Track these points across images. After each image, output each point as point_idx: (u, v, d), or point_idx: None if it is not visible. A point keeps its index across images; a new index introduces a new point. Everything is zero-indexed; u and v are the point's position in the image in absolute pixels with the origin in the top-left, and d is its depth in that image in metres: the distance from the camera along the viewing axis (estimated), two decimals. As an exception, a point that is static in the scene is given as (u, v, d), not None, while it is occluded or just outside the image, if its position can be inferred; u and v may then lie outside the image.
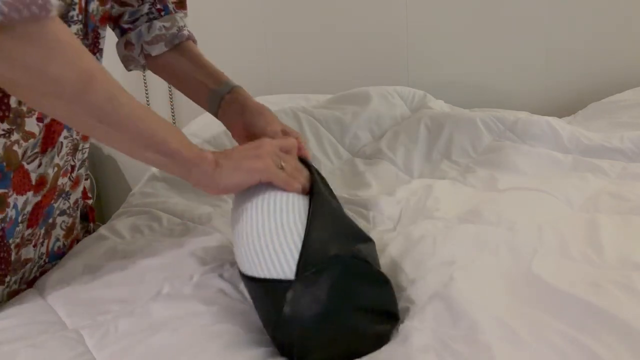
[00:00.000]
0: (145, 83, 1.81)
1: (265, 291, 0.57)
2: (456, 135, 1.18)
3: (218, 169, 0.63)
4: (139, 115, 0.60)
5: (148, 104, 1.84)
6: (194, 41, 0.92)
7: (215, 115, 0.87)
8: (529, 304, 0.57)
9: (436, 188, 0.95)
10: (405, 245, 0.73)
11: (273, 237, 0.58)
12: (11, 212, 0.70)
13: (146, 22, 0.87)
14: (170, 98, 1.83)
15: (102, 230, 0.85)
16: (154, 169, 1.11)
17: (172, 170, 0.64)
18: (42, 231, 0.79)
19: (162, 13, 0.88)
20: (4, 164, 0.68)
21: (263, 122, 0.80)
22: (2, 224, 0.70)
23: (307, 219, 0.59)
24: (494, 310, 0.55)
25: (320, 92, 1.54)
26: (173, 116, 1.85)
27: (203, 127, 1.25)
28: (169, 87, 1.80)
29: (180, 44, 0.88)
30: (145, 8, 0.87)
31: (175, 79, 0.90)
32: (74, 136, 0.80)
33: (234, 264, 0.66)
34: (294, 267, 0.55)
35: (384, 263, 0.69)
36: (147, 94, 1.83)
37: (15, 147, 0.69)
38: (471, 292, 0.59)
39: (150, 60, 0.89)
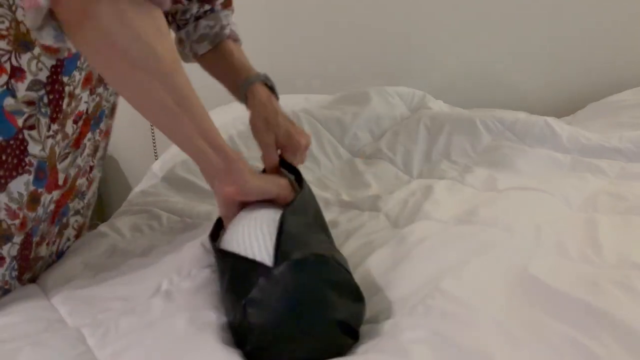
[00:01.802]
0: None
1: (240, 269, 0.56)
2: (455, 136, 1.19)
3: (248, 169, 0.66)
4: (201, 104, 0.63)
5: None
6: (235, 39, 0.93)
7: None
8: (527, 304, 0.57)
9: (435, 189, 0.95)
10: (403, 244, 0.73)
11: (264, 226, 0.59)
12: (40, 211, 0.72)
13: (194, 21, 0.90)
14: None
15: (102, 227, 0.86)
16: (154, 169, 1.11)
17: (212, 163, 0.65)
18: (56, 230, 0.80)
19: (209, 12, 0.91)
20: (47, 163, 0.70)
21: (286, 142, 0.82)
22: (33, 223, 0.71)
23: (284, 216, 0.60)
24: (491, 309, 0.56)
25: (320, 92, 1.55)
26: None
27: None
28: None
29: (220, 44, 0.90)
30: (194, 8, 0.89)
31: (217, 78, 0.93)
32: (96, 137, 0.82)
33: None
34: (272, 255, 0.55)
35: (381, 260, 0.69)
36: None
37: (57, 148, 0.71)
38: (468, 291, 0.59)
39: (198, 58, 0.92)
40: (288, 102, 1.40)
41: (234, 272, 0.57)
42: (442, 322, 0.54)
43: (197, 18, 0.90)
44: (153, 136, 1.88)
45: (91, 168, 0.85)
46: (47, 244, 0.78)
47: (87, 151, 0.80)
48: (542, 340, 0.51)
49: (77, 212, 0.86)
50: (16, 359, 0.53)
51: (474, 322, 0.53)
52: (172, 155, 1.14)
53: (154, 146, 1.88)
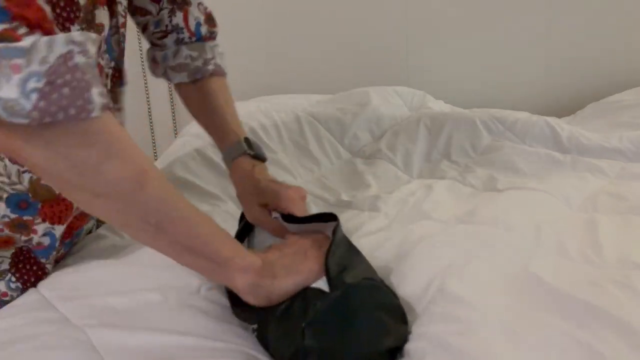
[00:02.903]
0: (145, 82, 1.81)
1: (297, 296, 0.58)
2: (456, 136, 1.19)
3: (273, 280, 0.59)
4: (195, 220, 0.57)
5: (148, 103, 1.84)
6: (222, 74, 0.88)
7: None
8: (528, 303, 0.57)
9: (435, 189, 0.95)
10: (403, 244, 0.73)
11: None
12: (42, 239, 0.72)
13: (175, 44, 0.84)
14: (171, 98, 1.83)
15: (102, 230, 0.86)
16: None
17: (213, 272, 0.60)
18: (66, 250, 0.80)
19: (193, 38, 0.84)
20: (30, 195, 0.69)
21: (277, 202, 0.76)
22: (28, 244, 0.72)
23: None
24: (493, 308, 0.56)
25: (320, 92, 1.55)
26: (173, 116, 1.85)
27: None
28: (169, 87, 1.80)
29: (203, 81, 0.85)
30: (165, 18, 0.83)
31: (193, 113, 0.88)
32: None
33: None
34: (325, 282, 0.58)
35: (381, 260, 0.69)
36: (147, 92, 1.83)
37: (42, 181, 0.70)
38: (470, 291, 0.59)
39: (172, 84, 0.87)
40: (288, 102, 1.41)
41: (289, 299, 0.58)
42: (446, 325, 0.54)
43: (180, 42, 0.84)
44: (153, 137, 1.88)
45: None
46: (56, 261, 0.78)
47: None
48: (545, 339, 0.51)
49: (89, 231, 0.86)
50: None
51: (478, 322, 0.53)
52: (172, 155, 1.14)
53: (154, 146, 1.88)
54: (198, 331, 0.58)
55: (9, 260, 0.72)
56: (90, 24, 0.63)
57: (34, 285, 0.72)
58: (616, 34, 1.54)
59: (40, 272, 0.74)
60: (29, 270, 0.73)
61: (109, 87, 0.74)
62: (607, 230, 0.73)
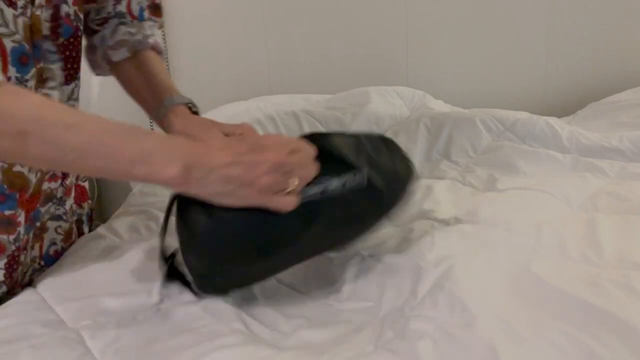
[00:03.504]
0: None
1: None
2: (456, 136, 1.19)
3: (193, 184, 0.57)
4: (92, 153, 0.55)
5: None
6: (159, 52, 0.87)
7: (166, 131, 0.80)
8: (528, 303, 0.57)
9: (435, 189, 0.95)
10: (403, 244, 0.73)
11: None
12: (21, 230, 0.71)
13: (112, 26, 0.84)
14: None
15: (100, 229, 0.86)
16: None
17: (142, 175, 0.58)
18: (30, 235, 0.78)
19: (135, 22, 0.85)
20: (5, 185, 0.68)
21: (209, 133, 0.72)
22: (17, 243, 0.71)
23: None
24: (494, 308, 0.56)
25: (320, 92, 1.55)
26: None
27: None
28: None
29: (142, 52, 0.84)
30: (110, 6, 0.83)
31: (132, 93, 0.86)
32: None
33: None
34: None
35: (381, 258, 0.69)
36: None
37: (18, 168, 0.69)
38: (470, 290, 0.59)
39: (113, 67, 0.85)
40: (288, 102, 1.41)
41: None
42: (447, 319, 0.54)
43: (119, 24, 0.84)
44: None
45: (64, 175, 0.82)
46: (24, 250, 0.76)
47: None
48: (544, 338, 0.51)
49: (58, 218, 0.83)
50: (15, 361, 0.53)
51: (478, 321, 0.53)
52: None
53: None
54: (194, 328, 0.58)
55: (3, 272, 0.71)
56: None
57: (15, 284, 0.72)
58: (616, 34, 1.54)
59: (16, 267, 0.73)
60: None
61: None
62: (607, 230, 0.73)
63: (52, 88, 0.74)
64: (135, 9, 0.85)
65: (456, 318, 0.54)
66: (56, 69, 0.73)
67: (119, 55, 0.83)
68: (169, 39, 1.75)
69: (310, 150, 0.60)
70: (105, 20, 0.84)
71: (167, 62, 1.74)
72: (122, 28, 0.83)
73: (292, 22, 1.71)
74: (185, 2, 1.73)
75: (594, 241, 0.70)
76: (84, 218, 0.92)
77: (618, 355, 0.48)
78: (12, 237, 0.70)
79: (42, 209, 0.79)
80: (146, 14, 0.86)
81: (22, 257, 0.76)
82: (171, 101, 0.78)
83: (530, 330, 0.52)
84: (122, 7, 0.84)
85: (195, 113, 0.80)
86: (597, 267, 0.65)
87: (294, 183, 0.58)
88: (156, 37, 0.87)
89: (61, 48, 0.74)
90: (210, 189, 0.57)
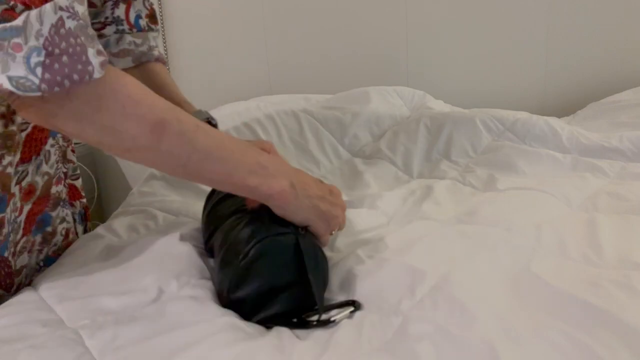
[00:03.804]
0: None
1: None
2: (456, 136, 1.18)
3: (294, 202, 0.62)
4: (217, 156, 0.59)
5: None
6: (164, 62, 0.89)
7: None
8: (528, 303, 0.57)
9: (435, 189, 0.95)
10: (402, 243, 0.73)
11: None
12: (6, 229, 0.70)
13: (115, 33, 0.84)
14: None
15: (99, 229, 0.85)
16: (154, 170, 1.11)
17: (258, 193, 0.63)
18: (39, 239, 0.78)
19: (134, 30, 0.85)
20: None
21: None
22: (3, 245, 0.70)
23: None
24: (493, 308, 0.56)
25: (320, 92, 1.54)
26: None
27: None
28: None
29: (147, 64, 0.85)
30: (108, 10, 0.83)
31: None
32: (61, 143, 0.79)
33: None
34: None
35: (379, 258, 0.69)
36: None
37: (9, 170, 0.68)
38: (470, 289, 0.59)
39: None
40: (288, 102, 1.41)
41: None
42: (447, 318, 0.54)
43: (120, 32, 0.84)
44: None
45: (65, 175, 0.82)
46: (29, 252, 0.77)
47: (54, 157, 0.77)
48: (544, 338, 0.51)
49: (64, 220, 0.84)
50: (14, 361, 0.53)
51: (478, 321, 0.53)
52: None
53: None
54: (193, 326, 0.58)
55: None
56: None
57: (7, 289, 0.71)
58: (616, 34, 1.54)
59: (7, 268, 0.72)
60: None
61: None
62: (607, 230, 0.73)
63: None
64: (132, 16, 0.85)
65: (456, 318, 0.54)
66: None
67: (122, 63, 0.84)
68: (169, 39, 1.75)
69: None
70: (102, 26, 0.84)
71: (167, 62, 1.74)
72: (127, 37, 0.84)
73: (292, 22, 1.70)
74: (185, 2, 1.73)
75: (594, 241, 0.70)
76: (77, 217, 0.92)
77: (618, 355, 0.48)
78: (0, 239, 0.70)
79: (53, 214, 0.80)
80: (142, 22, 0.86)
81: (26, 260, 0.76)
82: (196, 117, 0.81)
83: (530, 331, 0.52)
84: (119, 12, 0.84)
85: (214, 126, 0.81)
86: (597, 267, 0.65)
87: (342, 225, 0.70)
88: (159, 47, 0.88)
89: None
90: (302, 213, 0.63)
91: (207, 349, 0.53)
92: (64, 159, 0.81)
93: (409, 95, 1.46)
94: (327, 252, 0.71)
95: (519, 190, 0.91)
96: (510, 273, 0.62)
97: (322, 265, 0.64)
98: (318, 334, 0.57)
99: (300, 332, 0.58)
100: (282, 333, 0.58)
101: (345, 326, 0.58)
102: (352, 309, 0.60)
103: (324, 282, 0.64)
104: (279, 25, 1.71)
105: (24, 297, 0.66)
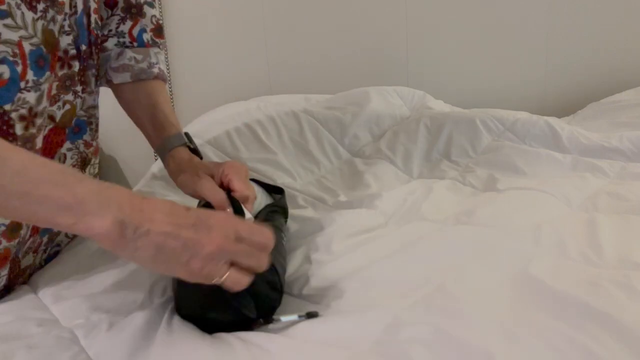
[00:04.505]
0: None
1: None
2: (456, 136, 1.19)
3: (123, 244, 0.49)
4: (13, 190, 0.48)
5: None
6: (164, 80, 0.88)
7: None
8: (527, 304, 0.57)
9: (435, 189, 0.95)
10: (401, 243, 0.73)
11: None
12: (23, 231, 0.70)
13: (116, 46, 0.84)
14: (171, 99, 1.83)
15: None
16: (153, 170, 1.11)
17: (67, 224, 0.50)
18: (45, 239, 0.78)
19: (135, 44, 0.85)
20: None
21: (220, 168, 0.73)
22: (18, 246, 0.70)
23: None
24: (491, 309, 0.55)
25: (320, 92, 1.54)
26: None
27: (205, 128, 1.25)
28: (170, 90, 1.80)
29: (145, 81, 0.85)
30: (113, 24, 0.83)
31: (130, 114, 0.86)
32: (81, 149, 0.79)
33: None
34: None
35: (378, 258, 0.69)
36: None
37: None
38: (468, 290, 0.59)
39: (111, 85, 0.85)
40: (288, 102, 1.41)
41: None
42: (443, 320, 0.54)
43: (122, 45, 0.84)
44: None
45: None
46: (35, 252, 0.76)
47: (69, 161, 0.77)
48: (542, 339, 0.50)
49: None
50: (10, 360, 0.53)
51: (475, 320, 0.53)
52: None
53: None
54: (189, 324, 0.58)
55: (7, 277, 0.71)
56: (53, 3, 0.66)
57: (16, 282, 0.71)
58: (616, 34, 1.54)
59: (17, 270, 0.72)
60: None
61: (76, 68, 0.74)
62: (607, 230, 0.73)
63: (75, 93, 0.75)
64: (135, 31, 0.85)
65: (453, 319, 0.54)
66: (76, 75, 0.74)
67: (120, 78, 0.83)
68: (169, 39, 1.75)
69: (265, 237, 0.55)
70: (105, 39, 0.84)
71: (167, 62, 1.74)
72: (128, 52, 0.84)
73: (292, 22, 1.70)
74: (185, 2, 1.73)
75: (594, 241, 0.70)
76: None
77: (617, 356, 0.48)
78: (14, 242, 0.70)
79: None
80: (146, 36, 0.86)
81: (31, 260, 0.75)
82: (170, 144, 0.80)
83: (528, 332, 0.52)
84: (124, 28, 0.84)
85: (194, 149, 0.81)
86: (597, 267, 0.65)
87: (223, 275, 0.52)
88: (161, 64, 0.87)
89: (83, 55, 0.74)
90: (141, 253, 0.49)
91: (203, 349, 0.53)
92: (82, 165, 0.81)
93: (409, 95, 1.46)
94: (321, 253, 0.71)
95: (519, 190, 0.91)
96: (510, 273, 0.62)
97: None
98: (317, 333, 0.57)
99: (299, 332, 0.58)
100: (276, 334, 0.58)
101: (338, 327, 0.58)
102: (303, 314, 0.58)
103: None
104: (279, 25, 1.71)
105: (20, 296, 0.66)
